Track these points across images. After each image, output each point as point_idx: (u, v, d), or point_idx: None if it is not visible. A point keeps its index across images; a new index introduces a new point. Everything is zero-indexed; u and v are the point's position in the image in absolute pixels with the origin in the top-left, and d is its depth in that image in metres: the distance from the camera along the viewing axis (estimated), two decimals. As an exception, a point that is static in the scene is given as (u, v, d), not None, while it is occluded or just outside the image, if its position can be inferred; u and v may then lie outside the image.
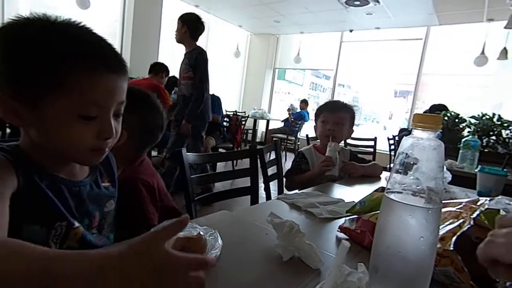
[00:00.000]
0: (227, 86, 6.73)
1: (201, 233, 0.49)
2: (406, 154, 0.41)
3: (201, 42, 2.52)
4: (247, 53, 7.13)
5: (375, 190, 0.79)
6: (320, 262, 0.51)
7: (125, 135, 0.69)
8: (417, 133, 0.41)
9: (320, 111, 1.46)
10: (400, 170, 0.41)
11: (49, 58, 0.44)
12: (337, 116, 1.40)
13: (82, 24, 0.49)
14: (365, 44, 6.20)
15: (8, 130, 2.12)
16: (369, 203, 0.73)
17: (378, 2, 4.24)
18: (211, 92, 3.70)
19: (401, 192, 0.41)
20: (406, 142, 0.41)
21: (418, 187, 0.40)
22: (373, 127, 7.07)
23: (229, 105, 6.02)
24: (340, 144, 1.53)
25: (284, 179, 1.44)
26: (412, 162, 0.41)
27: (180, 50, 2.67)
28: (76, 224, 0.53)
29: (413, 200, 0.40)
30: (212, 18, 5.92)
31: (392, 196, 0.42)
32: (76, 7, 3.69)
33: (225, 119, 4.12)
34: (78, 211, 0.54)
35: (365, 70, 6.64)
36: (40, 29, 0.46)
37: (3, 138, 2.02)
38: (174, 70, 3.90)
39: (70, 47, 0.46)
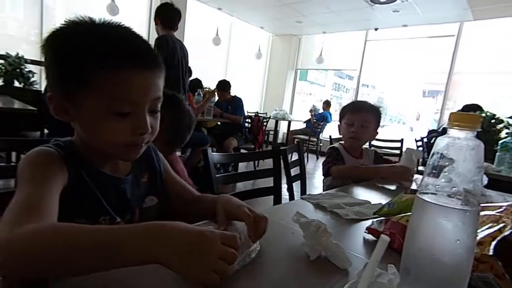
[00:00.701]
0: (249, 87, 6.77)
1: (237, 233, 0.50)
2: (441, 154, 0.39)
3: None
4: (269, 54, 7.13)
5: (405, 192, 0.77)
6: (348, 262, 0.50)
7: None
8: (453, 132, 0.40)
9: (345, 111, 1.43)
10: (434, 171, 0.40)
11: (81, 58, 0.46)
12: (362, 118, 1.36)
13: (122, 24, 0.51)
14: (391, 42, 5.97)
15: (46, 131, 2.27)
16: (398, 205, 0.71)
17: (405, -2, 4.08)
18: (233, 93, 3.76)
19: (435, 194, 0.40)
20: (441, 142, 0.40)
21: (454, 189, 0.39)
22: (399, 128, 6.79)
23: (251, 106, 6.06)
24: (365, 145, 1.49)
25: (324, 170, 1.37)
26: (447, 163, 0.39)
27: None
28: (118, 219, 0.55)
29: (448, 201, 0.39)
30: (235, 20, 6.00)
31: (425, 197, 0.40)
32: (107, 14, 3.91)
33: (247, 120, 4.15)
34: (121, 207, 0.57)
35: (391, 69, 6.39)
36: (84, 33, 0.48)
37: (42, 138, 2.16)
38: (197, 73, 4.00)
39: (102, 47, 0.46)
